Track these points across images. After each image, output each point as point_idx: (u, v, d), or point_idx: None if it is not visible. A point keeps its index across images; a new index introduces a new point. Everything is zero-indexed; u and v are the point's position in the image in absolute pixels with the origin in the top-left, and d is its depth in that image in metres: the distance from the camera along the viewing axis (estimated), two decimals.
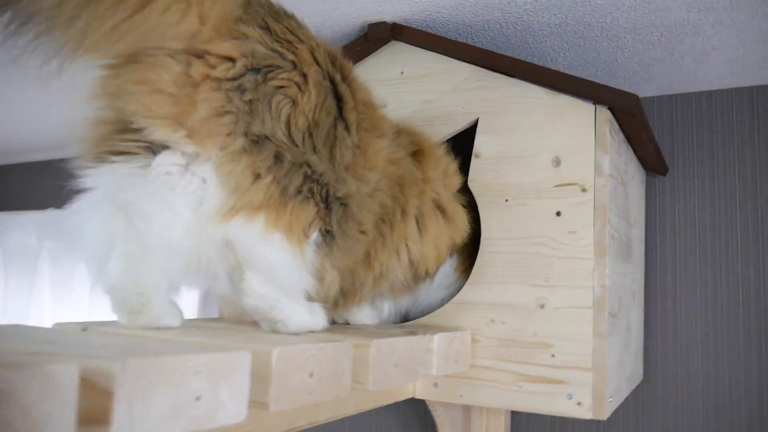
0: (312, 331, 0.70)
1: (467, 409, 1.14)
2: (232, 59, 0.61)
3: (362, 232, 0.75)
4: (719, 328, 1.16)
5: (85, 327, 0.65)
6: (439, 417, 1.07)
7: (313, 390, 0.56)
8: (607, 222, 0.84)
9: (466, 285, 0.90)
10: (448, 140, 0.96)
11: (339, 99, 0.70)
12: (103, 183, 0.63)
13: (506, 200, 0.89)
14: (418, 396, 0.91)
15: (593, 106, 0.85)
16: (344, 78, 0.72)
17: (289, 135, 0.64)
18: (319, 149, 0.66)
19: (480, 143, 0.92)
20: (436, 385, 0.90)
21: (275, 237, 0.63)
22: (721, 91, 1.20)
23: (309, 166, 0.65)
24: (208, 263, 0.66)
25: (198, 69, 0.60)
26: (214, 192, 0.62)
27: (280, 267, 0.65)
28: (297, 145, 0.65)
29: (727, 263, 1.17)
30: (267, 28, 0.65)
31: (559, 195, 0.86)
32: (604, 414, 0.81)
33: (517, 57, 1.09)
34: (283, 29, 0.66)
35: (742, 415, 1.13)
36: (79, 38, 0.55)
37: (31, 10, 0.54)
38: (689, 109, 1.22)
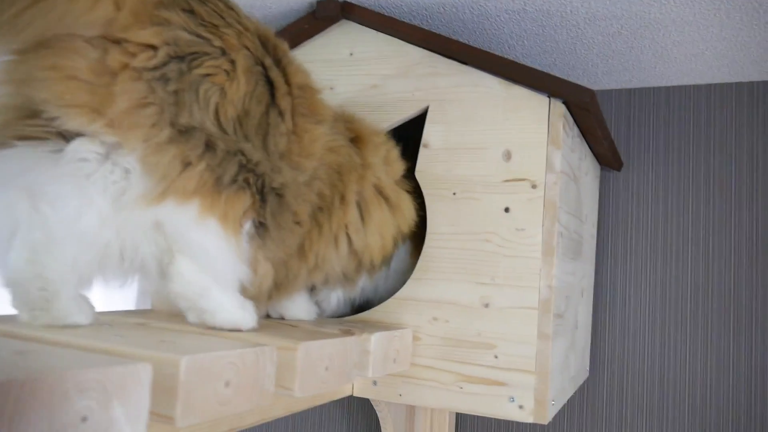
0: (238, 330, 0.65)
1: (411, 407, 1.11)
2: (153, 47, 0.57)
3: (297, 223, 0.71)
4: (668, 325, 1.15)
5: None
6: (382, 413, 1.04)
7: (229, 401, 0.51)
8: (557, 221, 0.81)
9: (409, 280, 0.86)
10: (396, 128, 0.91)
11: (271, 85, 0.65)
12: (4, 167, 0.56)
13: (454, 193, 0.85)
14: (357, 394, 0.87)
15: (548, 99, 0.82)
16: (277, 61, 0.67)
17: (219, 124, 0.60)
18: (251, 138, 0.63)
19: (429, 132, 0.87)
20: (375, 383, 0.86)
21: (210, 223, 0.60)
22: (680, 88, 1.18)
23: (243, 154, 0.62)
24: (133, 251, 0.62)
25: (116, 57, 0.56)
26: (140, 181, 0.58)
27: (215, 254, 0.62)
28: (228, 134, 0.61)
29: (678, 260, 1.16)
30: (191, 11, 0.60)
31: (508, 190, 0.82)
32: (546, 418, 0.78)
33: (474, 43, 1.05)
34: (209, 11, 0.61)
35: (686, 411, 1.12)
36: None
37: None
38: (647, 104, 1.20)
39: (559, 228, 0.82)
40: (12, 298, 0.59)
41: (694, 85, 1.17)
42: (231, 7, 0.65)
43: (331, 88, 0.94)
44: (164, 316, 0.76)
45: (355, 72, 0.93)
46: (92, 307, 0.62)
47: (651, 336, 1.16)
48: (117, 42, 0.56)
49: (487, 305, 0.82)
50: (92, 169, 0.57)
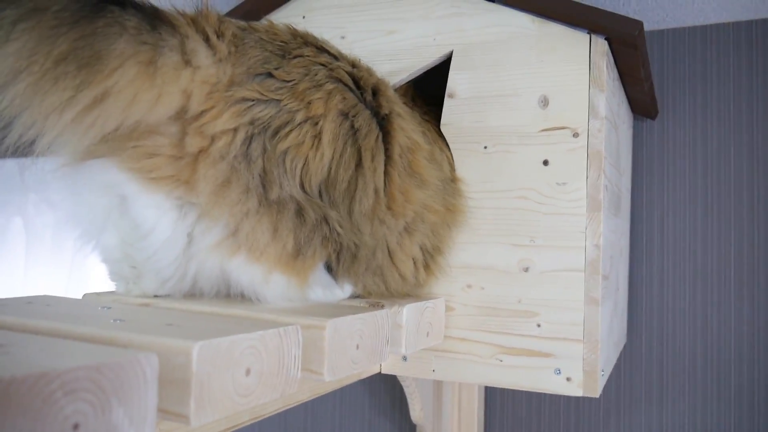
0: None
1: (438, 382, 1.04)
2: (232, 130, 0.56)
3: (401, 276, 0.71)
4: (709, 284, 1.07)
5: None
6: (409, 389, 0.97)
7: (251, 391, 0.44)
8: (602, 172, 0.72)
9: None
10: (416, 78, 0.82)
11: (359, 148, 0.62)
12: (105, 175, 0.57)
13: (485, 147, 0.77)
14: (386, 371, 0.80)
15: (588, 36, 0.73)
16: (378, 113, 0.65)
17: (305, 192, 0.60)
18: (338, 203, 0.61)
19: (454, 81, 0.78)
20: (405, 359, 0.79)
21: (276, 278, 0.60)
22: (719, 26, 1.08)
23: (328, 224, 0.61)
24: (209, 281, 0.62)
25: (194, 142, 0.56)
26: (219, 233, 0.58)
27: (281, 300, 0.62)
28: (315, 200, 0.60)
29: (720, 214, 1.07)
30: (268, 75, 0.58)
31: (546, 141, 0.74)
32: (597, 390, 0.71)
33: None
34: (291, 70, 0.59)
35: (731, 375, 1.05)
36: (41, 127, 0.51)
37: None
38: (683, 45, 1.11)
39: (605, 181, 0.74)
40: (109, 272, 0.64)
41: (734, 22, 1.07)
42: (323, 51, 0.64)
43: (343, 37, 0.85)
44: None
45: (369, 17, 0.84)
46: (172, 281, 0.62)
47: (692, 297, 1.08)
48: (195, 129, 0.56)
49: (526, 269, 0.74)
50: (177, 208, 0.58)
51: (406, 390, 0.98)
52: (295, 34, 0.64)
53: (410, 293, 0.75)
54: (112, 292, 0.65)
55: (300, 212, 0.58)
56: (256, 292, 0.60)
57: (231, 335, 0.42)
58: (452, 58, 0.79)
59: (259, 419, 0.59)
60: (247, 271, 0.58)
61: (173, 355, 0.39)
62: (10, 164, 1.67)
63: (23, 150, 0.53)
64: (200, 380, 0.39)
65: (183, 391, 0.39)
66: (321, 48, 0.65)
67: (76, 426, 0.31)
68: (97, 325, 0.45)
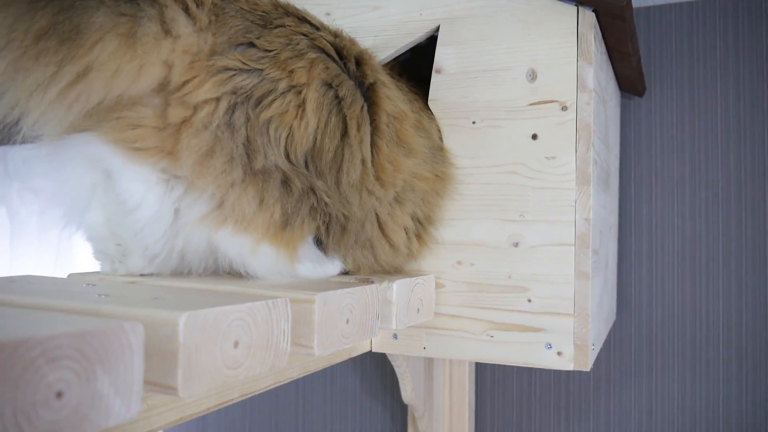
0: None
1: (429, 360, 1.04)
2: (214, 99, 0.55)
3: (391, 246, 0.71)
4: (697, 260, 1.08)
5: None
6: (400, 368, 0.97)
7: (239, 364, 0.43)
8: (591, 146, 0.72)
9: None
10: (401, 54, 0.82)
11: (344, 117, 0.61)
12: (87, 147, 0.57)
13: (473, 122, 0.76)
14: (376, 350, 0.79)
15: (575, 8, 0.72)
16: (362, 83, 0.64)
17: (290, 161, 0.59)
18: (325, 173, 0.60)
19: (441, 56, 0.78)
20: (395, 336, 0.78)
21: (264, 249, 0.59)
22: (703, 2, 1.08)
23: (315, 194, 0.60)
24: (191, 254, 0.62)
25: (176, 113, 0.55)
26: (205, 205, 0.57)
27: (272, 274, 0.62)
28: (301, 169, 0.59)
29: (708, 190, 1.07)
30: (250, 44, 0.57)
31: (535, 115, 0.73)
32: (588, 364, 0.71)
33: None
34: (273, 39, 0.58)
35: (720, 348, 1.06)
36: (24, 106, 0.51)
37: None
38: (668, 22, 1.10)
39: (593, 154, 0.73)
40: (93, 251, 0.63)
41: None
42: (304, 21, 0.63)
43: (328, 14, 0.84)
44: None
45: None
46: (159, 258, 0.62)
47: (680, 273, 1.08)
48: (177, 98, 0.55)
49: (516, 244, 0.74)
50: (163, 182, 0.57)
51: (397, 370, 0.98)
52: (276, 4, 0.63)
53: (402, 266, 0.75)
54: (97, 272, 0.64)
55: (286, 182, 0.58)
56: (245, 264, 0.59)
57: (218, 306, 0.41)
58: (439, 33, 0.78)
59: (250, 395, 0.58)
60: (234, 243, 0.57)
61: (159, 326, 0.38)
62: None
63: (7, 133, 0.52)
64: (188, 351, 0.38)
65: (170, 363, 0.38)
66: (302, 18, 0.64)
67: (59, 394, 0.30)
68: (80, 299, 0.44)
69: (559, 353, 0.72)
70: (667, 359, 1.08)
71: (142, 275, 0.62)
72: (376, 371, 1.26)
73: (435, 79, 0.78)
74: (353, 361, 1.28)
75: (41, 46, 0.49)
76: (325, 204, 0.60)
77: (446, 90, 0.77)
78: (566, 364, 0.71)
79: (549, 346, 0.72)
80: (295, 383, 1.32)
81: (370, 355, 1.26)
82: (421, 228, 0.74)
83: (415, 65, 0.88)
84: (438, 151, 0.75)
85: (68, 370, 0.31)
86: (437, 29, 0.78)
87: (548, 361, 0.72)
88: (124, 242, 0.60)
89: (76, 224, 0.61)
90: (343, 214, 0.62)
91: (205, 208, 0.56)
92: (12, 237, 1.67)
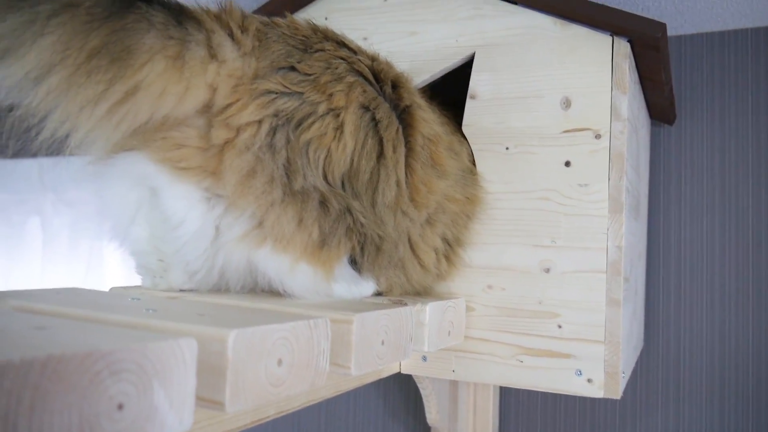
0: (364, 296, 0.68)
1: (454, 382, 1.04)
2: (256, 122, 0.57)
3: (422, 267, 0.72)
4: (726, 289, 1.07)
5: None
6: (426, 389, 0.97)
7: (282, 381, 0.44)
8: (624, 174, 0.72)
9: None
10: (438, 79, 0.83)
11: (381, 138, 0.63)
12: (134, 166, 0.59)
13: (507, 148, 0.77)
14: (405, 371, 0.80)
15: (610, 38, 0.73)
16: (397, 106, 0.66)
17: (328, 182, 0.60)
18: (361, 194, 0.62)
19: (476, 82, 0.79)
20: (424, 358, 0.79)
21: (302, 267, 0.60)
22: (737, 32, 1.09)
23: (351, 215, 0.61)
24: (237, 278, 0.64)
25: (219, 134, 0.57)
26: (245, 224, 0.59)
27: (308, 293, 0.63)
28: (338, 191, 0.61)
29: (737, 220, 1.07)
30: (291, 68, 0.59)
31: (568, 142, 0.74)
32: (618, 392, 0.71)
33: None
34: (313, 64, 0.60)
35: (749, 380, 1.04)
36: (73, 122, 0.52)
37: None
38: (700, 51, 1.11)
39: (626, 183, 0.74)
40: (136, 266, 0.65)
41: (752, 28, 1.08)
42: (342, 45, 0.65)
43: (365, 39, 0.85)
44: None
45: (391, 19, 0.85)
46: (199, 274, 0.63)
47: (709, 302, 1.08)
48: (221, 121, 0.57)
49: (547, 270, 0.74)
50: (205, 200, 0.59)
51: (422, 391, 0.98)
52: (315, 29, 0.65)
53: (431, 286, 0.76)
54: (138, 286, 0.66)
55: (324, 202, 0.59)
56: (283, 282, 0.60)
57: (264, 324, 0.42)
58: (474, 60, 0.79)
59: (285, 413, 0.59)
60: (273, 262, 0.59)
61: (209, 343, 0.40)
62: (29, 164, 1.69)
63: (55, 147, 0.54)
64: (235, 368, 0.40)
65: (218, 378, 0.39)
66: (341, 42, 0.66)
67: (120, 406, 0.31)
68: (130, 313, 0.45)
69: (589, 380, 0.72)
70: (695, 388, 1.07)
71: (181, 290, 0.63)
72: (399, 393, 1.26)
73: (469, 105, 0.79)
74: (376, 381, 1.28)
75: (93, 64, 0.51)
76: (361, 224, 0.61)
77: (480, 116, 0.78)
78: (596, 392, 0.71)
79: (579, 373, 0.72)
80: (318, 406, 1.32)
81: (394, 376, 1.26)
82: (450, 250, 0.75)
83: (445, 89, 0.89)
84: (468, 174, 0.77)
85: (128, 383, 0.32)
86: (472, 56, 0.80)
87: (578, 387, 0.72)
88: (166, 257, 0.62)
89: (122, 238, 0.63)
90: (378, 235, 0.63)
91: (246, 227, 0.58)
92: (44, 247, 1.70)
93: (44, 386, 0.28)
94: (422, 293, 0.76)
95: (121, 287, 0.66)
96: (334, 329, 0.52)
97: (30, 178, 1.69)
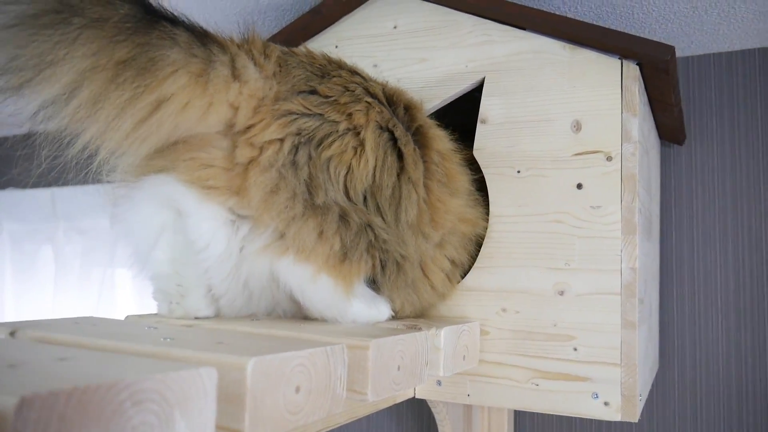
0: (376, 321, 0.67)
1: (468, 406, 1.03)
2: (279, 140, 0.59)
3: (432, 288, 0.73)
4: (742, 310, 1.06)
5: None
6: (440, 414, 0.96)
7: (300, 409, 0.44)
8: (636, 195, 0.72)
9: (472, 269, 0.78)
10: (448, 105, 0.84)
11: (401, 154, 0.65)
12: (162, 187, 0.60)
13: (518, 171, 0.77)
14: (420, 396, 0.80)
15: (619, 61, 0.74)
16: (410, 126, 0.68)
17: (350, 198, 0.62)
18: (384, 210, 0.64)
19: (487, 107, 0.80)
20: (439, 383, 0.79)
21: (323, 279, 0.61)
22: (744, 52, 1.09)
23: (373, 231, 0.63)
24: (260, 291, 0.65)
25: (243, 153, 0.58)
26: (266, 236, 0.60)
27: (328, 305, 0.64)
28: (360, 207, 0.62)
29: (749, 240, 1.07)
30: (312, 92, 0.62)
31: (580, 165, 0.74)
32: (635, 415, 0.70)
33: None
34: (332, 87, 0.63)
35: (767, 402, 1.03)
36: (101, 138, 0.54)
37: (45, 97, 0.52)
38: (708, 71, 1.11)
39: (639, 204, 0.74)
40: (154, 290, 0.65)
41: (760, 48, 1.08)
42: (356, 73, 0.67)
43: (375, 66, 0.86)
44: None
45: (401, 46, 0.86)
46: (216, 305, 0.65)
47: (725, 323, 1.07)
48: (244, 140, 0.59)
49: (562, 293, 0.74)
50: (230, 221, 0.61)
51: (436, 416, 0.97)
52: (329, 59, 0.68)
53: (435, 305, 0.77)
54: (153, 314, 0.66)
55: (344, 216, 0.60)
56: (303, 292, 0.61)
57: (282, 352, 0.42)
58: (484, 85, 0.80)
59: None
60: (295, 272, 0.60)
61: (228, 371, 0.40)
62: (43, 194, 1.71)
63: (83, 166, 0.55)
64: (254, 396, 0.40)
65: (238, 407, 0.39)
66: (354, 71, 0.68)
67: None
68: (148, 342, 0.45)
69: (606, 403, 0.71)
70: (711, 410, 1.06)
71: (197, 318, 0.64)
72: (413, 418, 1.25)
73: (480, 129, 0.79)
74: (390, 406, 1.27)
75: (121, 76, 0.53)
76: (384, 241, 0.63)
77: (491, 139, 0.79)
78: (613, 415, 0.70)
79: (596, 396, 0.71)
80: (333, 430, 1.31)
81: (407, 401, 1.25)
82: (453, 270, 0.76)
83: (447, 116, 0.90)
84: (470, 194, 0.78)
85: (151, 414, 0.32)
86: (482, 80, 0.80)
87: (595, 411, 0.71)
88: (185, 282, 0.63)
89: (143, 263, 0.64)
90: (401, 254, 0.65)
91: (268, 239, 0.59)
92: (56, 275, 1.71)
93: (69, 417, 0.28)
94: (426, 313, 0.76)
95: (136, 315, 0.67)
96: (350, 355, 0.52)
97: (42, 207, 1.71)
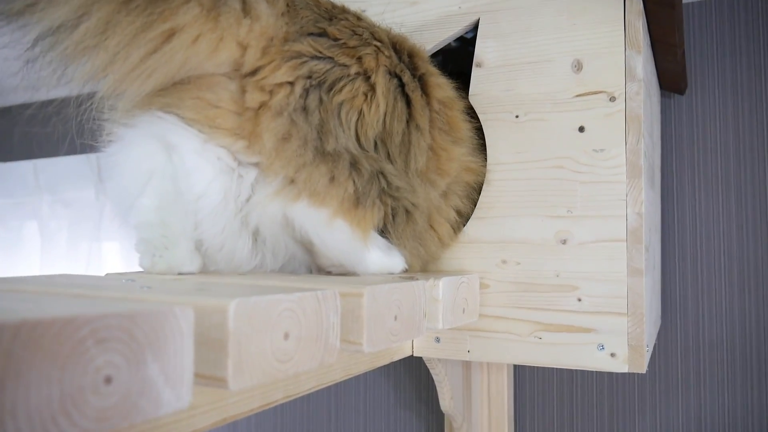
0: (391, 272, 0.65)
1: (467, 364, 1.01)
2: (289, 83, 0.57)
3: (439, 240, 0.72)
4: (744, 263, 1.03)
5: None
6: (438, 375, 0.94)
7: (290, 357, 0.40)
8: (641, 137, 0.69)
9: (470, 220, 0.75)
10: (442, 49, 0.79)
11: (409, 100, 0.63)
12: (158, 125, 0.57)
13: (516, 116, 0.73)
14: (417, 353, 0.77)
15: None
16: (415, 74, 0.66)
17: (361, 145, 0.60)
18: (395, 157, 0.62)
19: (482, 49, 0.75)
20: (438, 339, 0.75)
21: (339, 223, 0.59)
22: None
23: (385, 178, 0.61)
24: (273, 238, 0.63)
25: (253, 97, 0.56)
26: (276, 182, 0.58)
27: (345, 250, 0.61)
28: (371, 154, 0.60)
29: (753, 190, 1.03)
30: (322, 34, 0.59)
31: (581, 106, 0.71)
32: (643, 366, 0.67)
33: None
34: (341, 29, 0.60)
35: None
36: (106, 69, 0.52)
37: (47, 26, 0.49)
38: (709, 18, 1.07)
39: (644, 146, 0.70)
40: (137, 241, 0.61)
41: None
42: (361, 18, 0.64)
43: (363, 11, 0.82)
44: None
45: None
46: (201, 259, 0.61)
47: (728, 277, 1.04)
48: (254, 82, 0.56)
49: (564, 241, 0.70)
50: (230, 169, 0.58)
51: (435, 377, 0.95)
52: (333, 4, 0.66)
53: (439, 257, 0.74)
54: (135, 272, 0.63)
55: (355, 164, 0.58)
56: (321, 236, 0.59)
57: (267, 295, 0.39)
58: (479, 26, 0.76)
59: (293, 398, 0.56)
60: (311, 215, 0.58)
61: (208, 314, 0.36)
62: (25, 166, 1.66)
63: (83, 101, 0.53)
64: (237, 341, 0.36)
65: (219, 352, 0.36)
66: (359, 16, 0.66)
67: (108, 379, 0.28)
68: (124, 291, 0.42)
69: (612, 355, 0.68)
70: (715, 366, 1.04)
71: (180, 273, 0.60)
72: (410, 380, 1.23)
73: (476, 73, 0.75)
74: (386, 369, 1.24)
75: (132, 2, 0.50)
76: (396, 188, 0.61)
77: (488, 84, 0.75)
78: (621, 366, 0.68)
79: (601, 348, 0.68)
80: (327, 391, 1.29)
81: (404, 363, 1.23)
82: (458, 221, 0.74)
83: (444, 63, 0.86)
84: (473, 143, 0.75)
85: (117, 354, 0.28)
86: (476, 23, 0.76)
87: (601, 363, 0.68)
88: (171, 233, 0.59)
89: (127, 210, 0.61)
90: (412, 203, 0.63)
91: (278, 185, 0.57)
92: (42, 250, 1.67)
93: (17, 353, 0.24)
94: (425, 267, 0.73)
95: (116, 273, 0.63)
96: (343, 303, 0.48)
97: (25, 180, 1.66)
